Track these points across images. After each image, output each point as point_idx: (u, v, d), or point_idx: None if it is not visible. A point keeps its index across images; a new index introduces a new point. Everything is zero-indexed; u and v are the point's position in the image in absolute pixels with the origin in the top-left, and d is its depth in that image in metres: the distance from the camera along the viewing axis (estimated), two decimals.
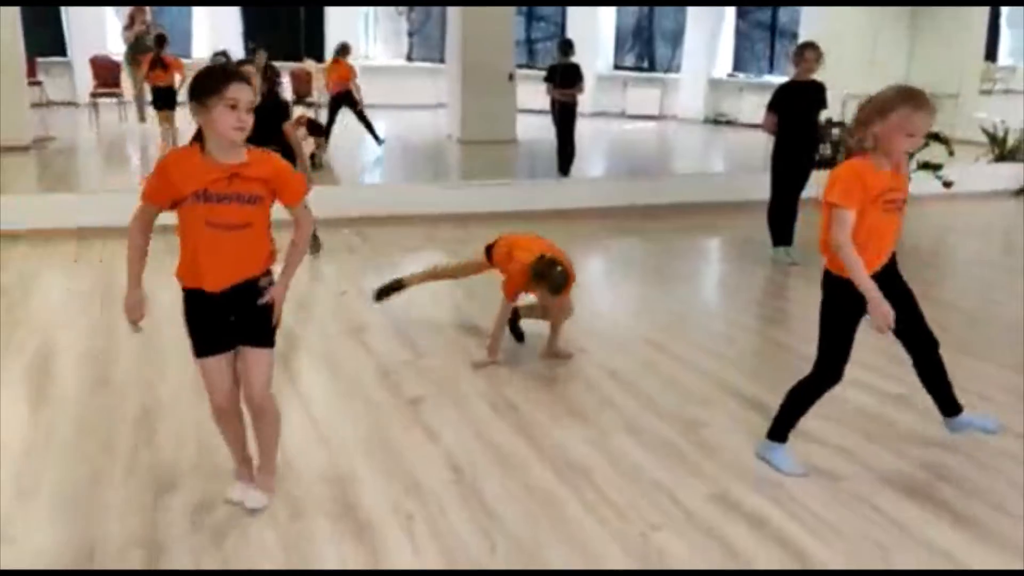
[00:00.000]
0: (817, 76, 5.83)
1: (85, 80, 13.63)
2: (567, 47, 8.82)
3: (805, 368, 4.12)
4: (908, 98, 2.80)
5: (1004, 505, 2.97)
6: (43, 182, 8.34)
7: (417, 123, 13.93)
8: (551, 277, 3.88)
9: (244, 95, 2.40)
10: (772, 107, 5.86)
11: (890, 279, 2.96)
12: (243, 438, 2.84)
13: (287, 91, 13.42)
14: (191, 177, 2.44)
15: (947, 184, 7.75)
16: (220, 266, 2.51)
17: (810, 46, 5.86)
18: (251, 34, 15.61)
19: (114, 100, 12.95)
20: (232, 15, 16.02)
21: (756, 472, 3.16)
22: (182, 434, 3.33)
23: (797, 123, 5.81)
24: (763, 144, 13.36)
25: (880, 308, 2.80)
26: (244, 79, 2.44)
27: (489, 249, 4.36)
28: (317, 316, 4.88)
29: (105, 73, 12.90)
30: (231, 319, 2.58)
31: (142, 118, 12.25)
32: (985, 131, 9.56)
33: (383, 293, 4.69)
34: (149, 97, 10.69)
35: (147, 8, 13.33)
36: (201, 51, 15.76)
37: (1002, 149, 9.30)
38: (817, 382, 3.06)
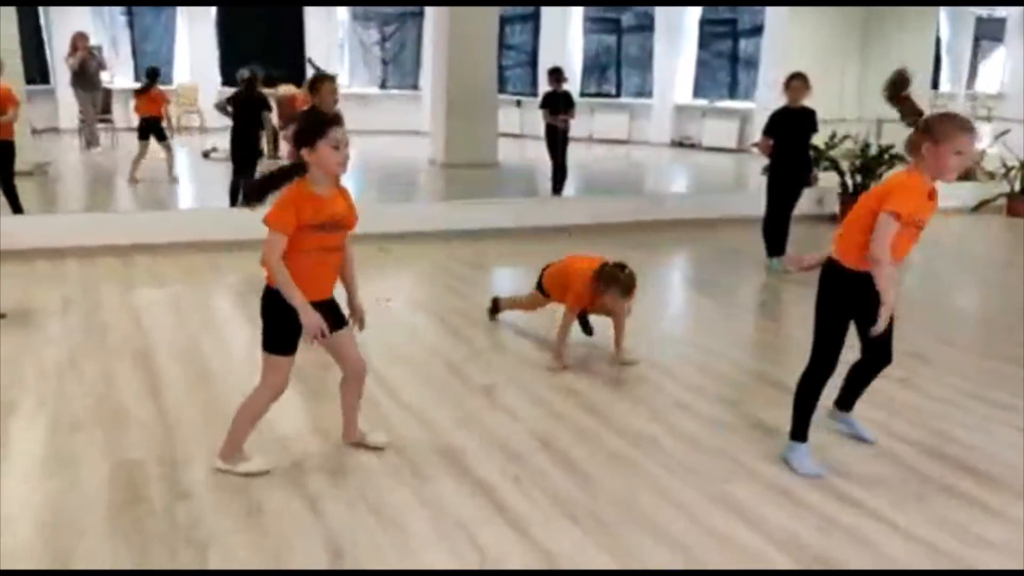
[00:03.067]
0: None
1: (68, 106, 13.87)
2: (561, 75, 9.41)
3: None
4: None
5: (998, 456, 3.59)
6: (67, 203, 8.62)
7: (395, 148, 14.37)
8: (622, 279, 4.30)
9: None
10: (767, 132, 6.50)
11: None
12: None
13: (274, 116, 13.78)
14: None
15: None
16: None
17: (796, 76, 6.50)
18: (228, 61, 15.98)
19: (102, 126, 13.20)
20: (209, 43, 16.37)
21: None
22: (294, 415, 3.76)
23: (790, 146, 6.45)
24: (731, 166, 14.16)
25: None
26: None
27: (540, 285, 4.77)
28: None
29: None
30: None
31: (94, 143, 12.47)
32: None
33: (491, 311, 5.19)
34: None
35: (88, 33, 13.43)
36: (182, 77, 16.11)
37: None
38: (815, 374, 3.36)
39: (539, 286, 4.78)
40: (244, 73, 8.50)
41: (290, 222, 2.88)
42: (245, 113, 8.17)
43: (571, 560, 2.73)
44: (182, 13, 16.12)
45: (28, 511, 2.91)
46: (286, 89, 15.74)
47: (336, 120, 3.00)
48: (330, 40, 17.47)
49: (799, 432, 3.43)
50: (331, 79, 5.74)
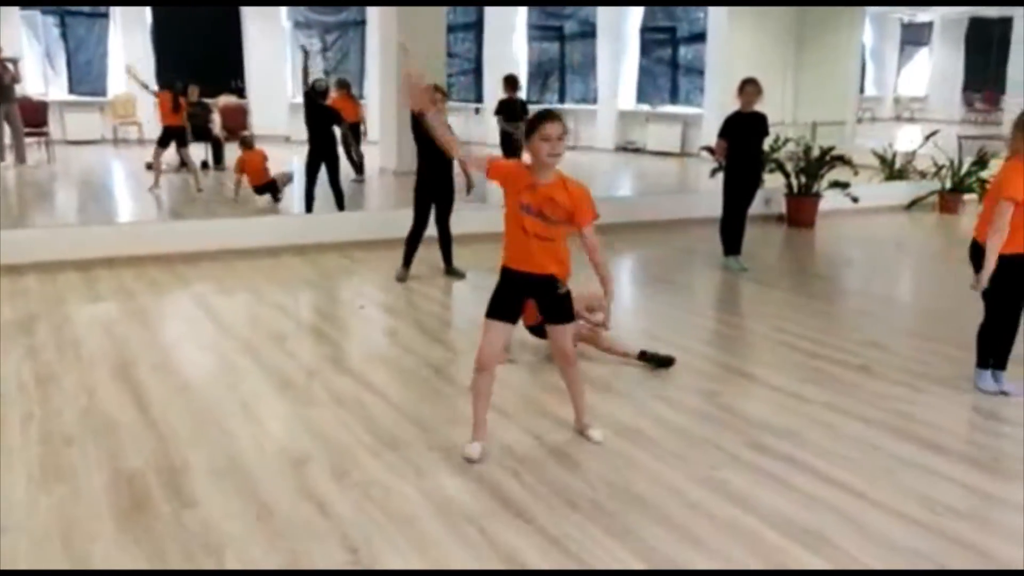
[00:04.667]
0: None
1: None
2: (516, 83, 9.54)
3: (784, 350, 4.98)
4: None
5: (955, 431, 3.89)
6: (12, 218, 8.37)
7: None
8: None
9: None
10: (722, 135, 6.74)
11: None
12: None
13: (216, 126, 13.58)
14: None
15: (855, 199, 8.89)
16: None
17: (749, 82, 6.75)
18: (165, 70, 15.68)
19: (33, 139, 12.81)
20: (145, 52, 16.02)
21: (777, 426, 3.88)
22: (284, 421, 3.79)
23: (744, 148, 6.70)
24: (676, 169, 14.46)
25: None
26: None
27: None
28: (351, 327, 5.35)
29: (30, 114, 12.75)
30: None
31: (20, 158, 12.12)
32: (876, 154, 10.90)
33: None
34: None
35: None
36: (118, 87, 15.71)
37: (891, 170, 10.66)
38: (991, 327, 4.25)
39: None
40: (322, 84, 8.53)
41: (490, 171, 3.42)
42: (321, 123, 8.30)
43: (580, 544, 2.84)
44: (114, 22, 15.73)
45: (37, 520, 2.90)
46: (226, 99, 15.60)
47: (550, 117, 3.31)
48: (272, 48, 17.30)
49: (982, 361, 4.32)
50: (435, 87, 6.04)
